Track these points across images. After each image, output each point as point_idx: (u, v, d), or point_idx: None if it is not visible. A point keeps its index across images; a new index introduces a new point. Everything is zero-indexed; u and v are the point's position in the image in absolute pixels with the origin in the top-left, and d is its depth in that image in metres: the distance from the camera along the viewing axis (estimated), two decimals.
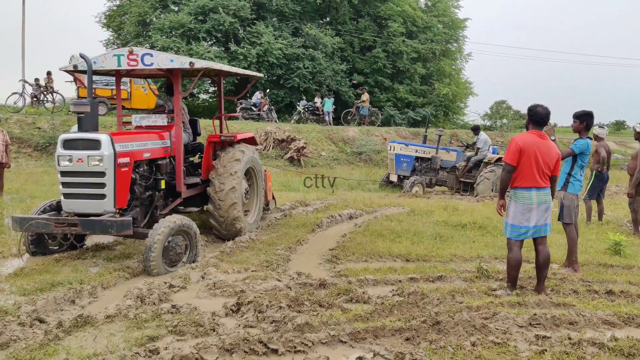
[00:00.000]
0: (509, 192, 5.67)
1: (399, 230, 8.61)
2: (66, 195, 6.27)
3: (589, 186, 9.59)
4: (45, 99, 20.44)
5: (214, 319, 4.51)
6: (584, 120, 6.74)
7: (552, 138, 6.41)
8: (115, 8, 31.61)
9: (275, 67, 27.74)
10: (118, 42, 30.86)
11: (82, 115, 6.27)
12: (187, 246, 6.51)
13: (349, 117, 26.86)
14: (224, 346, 3.96)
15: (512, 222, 5.54)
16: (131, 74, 8.53)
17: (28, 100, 20.17)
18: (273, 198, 10.18)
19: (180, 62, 6.90)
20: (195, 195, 7.90)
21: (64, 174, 6.21)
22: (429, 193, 14.79)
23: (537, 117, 5.56)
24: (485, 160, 14.39)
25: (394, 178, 15.08)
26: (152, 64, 6.83)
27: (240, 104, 23.46)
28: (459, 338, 4.34)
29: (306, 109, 25.50)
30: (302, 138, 21.37)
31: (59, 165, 6.18)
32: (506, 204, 5.72)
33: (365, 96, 26.50)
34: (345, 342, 4.23)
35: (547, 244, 5.68)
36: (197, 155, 8.59)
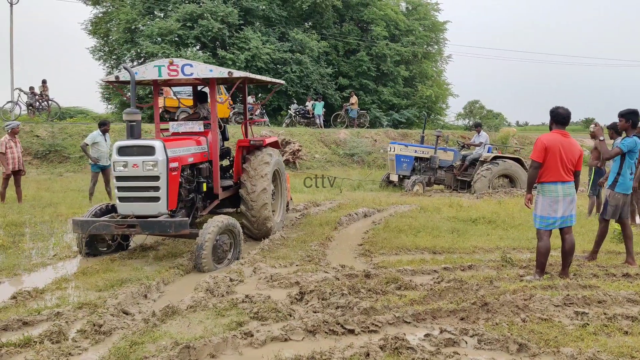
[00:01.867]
0: (536, 186, 6.22)
1: (418, 226, 9.13)
2: (122, 199, 6.61)
3: (590, 182, 10.23)
4: (41, 107, 20.51)
5: (288, 306, 4.95)
6: (629, 118, 6.91)
7: (601, 138, 6.93)
8: (101, 15, 31.60)
9: (264, 72, 28.11)
10: (105, 49, 30.91)
11: (134, 123, 6.63)
12: (231, 244, 6.88)
13: (338, 120, 27.39)
14: (307, 328, 4.42)
15: (541, 214, 6.10)
16: (167, 83, 8.80)
17: (23, 108, 20.22)
18: (290, 199, 10.54)
19: (219, 72, 7.26)
20: (228, 196, 8.25)
21: (119, 178, 6.53)
22: (429, 191, 15.37)
23: (559, 118, 6.12)
24: (481, 159, 15.02)
25: (394, 178, 15.63)
26: (192, 74, 7.18)
27: (233, 108, 23.79)
28: (507, 316, 4.86)
29: (297, 113, 25.95)
30: (297, 141, 21.83)
31: (114, 170, 6.52)
32: (533, 198, 6.27)
33: (354, 99, 27.09)
34: (409, 323, 4.71)
35: (572, 233, 6.24)
36: (227, 159, 8.97)
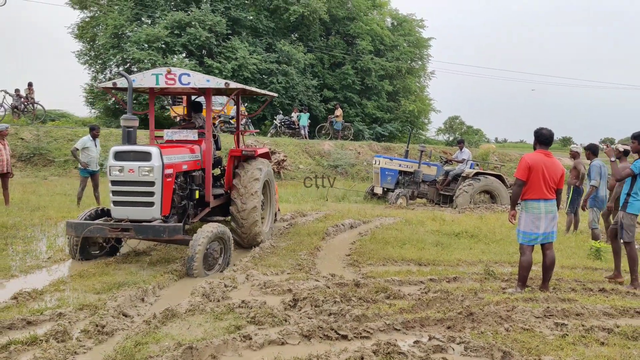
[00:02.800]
0: (519, 203, 6.52)
1: (403, 238, 9.39)
2: (116, 203, 6.75)
3: (569, 200, 10.62)
4: (26, 109, 20.43)
5: (283, 312, 5.15)
6: None
7: (612, 159, 7.10)
8: (87, 20, 31.55)
9: (250, 82, 28.32)
10: (91, 53, 30.84)
11: (131, 129, 6.79)
12: (222, 250, 7.02)
13: (322, 132, 27.68)
14: (302, 332, 4.62)
15: (524, 230, 6.39)
16: (163, 92, 8.90)
17: (8, 110, 20.13)
18: (278, 209, 10.66)
19: (216, 82, 7.45)
20: (218, 205, 8.41)
21: (115, 183, 6.68)
22: (412, 205, 15.67)
23: (543, 138, 6.44)
24: (463, 174, 15.39)
25: (378, 190, 15.91)
26: (189, 84, 7.34)
27: (219, 117, 23.92)
28: (491, 326, 5.12)
29: (283, 123, 26.17)
30: (282, 151, 22.04)
31: (110, 175, 6.66)
32: (517, 214, 6.56)
33: (339, 111, 27.43)
34: (399, 330, 4.94)
35: (553, 249, 6.55)
36: (218, 168, 9.09)
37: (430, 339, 4.69)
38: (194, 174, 7.72)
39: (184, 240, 6.73)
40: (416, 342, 4.62)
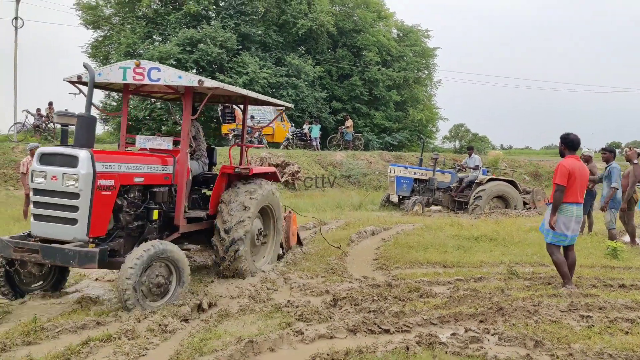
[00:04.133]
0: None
1: (425, 243, 9.78)
2: (36, 217, 5.58)
3: None
4: (47, 128, 21.02)
5: (327, 309, 5.55)
6: None
7: (635, 162, 7.48)
8: (100, 39, 32.28)
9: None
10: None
11: (66, 128, 5.87)
12: (170, 273, 5.75)
13: (333, 142, 28.14)
14: (348, 327, 5.01)
15: (556, 230, 6.74)
16: (140, 91, 7.68)
17: (30, 129, 20.73)
18: (300, 243, 9.27)
19: (189, 79, 6.21)
20: (200, 230, 7.07)
21: (36, 192, 5.52)
22: (428, 212, 16.04)
23: (572, 144, 6.82)
24: (477, 181, 15.77)
25: (394, 198, 16.32)
26: (159, 80, 6.16)
27: (233, 131, 24.42)
28: (520, 319, 5.49)
29: (294, 135, 26.65)
30: (295, 162, 22.47)
31: (32, 181, 5.52)
32: (554, 218, 6.84)
33: (349, 122, 27.89)
34: (435, 324, 5.32)
35: (574, 250, 6.95)
36: (210, 187, 7.55)
37: (466, 330, 5.06)
38: (155, 189, 6.38)
39: (117, 266, 5.47)
40: (453, 334, 4.99)
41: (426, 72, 41.31)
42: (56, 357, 4.15)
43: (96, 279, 7.02)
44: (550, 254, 6.87)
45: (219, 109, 27.08)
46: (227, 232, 6.72)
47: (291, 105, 8.98)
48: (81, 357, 4.21)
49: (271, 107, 25.99)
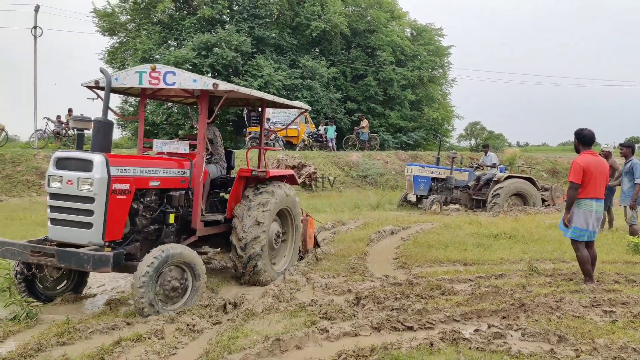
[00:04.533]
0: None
1: (445, 241, 9.81)
2: (52, 221, 5.67)
3: None
4: (67, 134, 21.38)
5: (350, 308, 5.63)
6: None
7: None
8: (117, 45, 32.71)
9: None
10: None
11: (82, 132, 5.96)
12: (184, 276, 5.75)
13: (349, 143, 28.22)
14: (372, 325, 5.09)
15: (575, 225, 6.76)
16: (157, 95, 7.69)
17: (51, 136, 21.11)
18: (317, 245, 9.07)
19: (204, 82, 6.22)
20: (217, 234, 7.08)
21: (53, 196, 5.61)
22: (445, 210, 16.06)
23: (586, 139, 6.83)
24: (495, 178, 15.75)
25: (412, 198, 16.35)
26: (174, 83, 6.25)
27: (249, 133, 24.59)
28: (543, 315, 5.52)
29: (310, 136, 26.77)
30: (312, 164, 22.59)
31: (48, 186, 5.62)
32: (568, 215, 6.89)
33: (365, 122, 27.97)
34: (458, 321, 5.37)
35: (594, 247, 6.95)
36: (228, 190, 7.58)
37: (489, 327, 5.11)
38: (172, 193, 6.44)
39: (133, 269, 5.47)
40: (476, 330, 5.04)
41: (441, 70, 41.25)
42: (90, 356, 4.27)
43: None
44: (575, 250, 6.88)
45: (244, 112, 27.36)
46: (243, 249, 6.72)
47: (308, 108, 9.00)
48: (114, 356, 4.33)
49: (295, 110, 26.16)
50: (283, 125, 24.79)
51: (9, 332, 4.97)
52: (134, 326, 5.08)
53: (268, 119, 24.48)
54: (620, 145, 10.33)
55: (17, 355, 4.27)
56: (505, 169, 16.97)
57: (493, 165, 16.21)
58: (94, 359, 4.24)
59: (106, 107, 5.76)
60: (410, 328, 5.12)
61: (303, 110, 8.75)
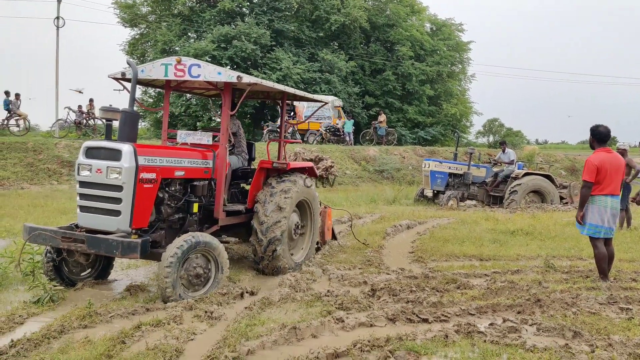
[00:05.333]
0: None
1: (461, 237, 9.82)
2: (82, 209, 5.83)
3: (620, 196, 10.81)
4: (87, 124, 21.65)
5: (366, 299, 5.69)
6: None
7: None
8: (137, 37, 33.00)
9: None
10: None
11: (110, 123, 6.08)
12: (208, 263, 5.89)
13: (366, 137, 28.21)
14: (387, 316, 5.14)
15: (590, 222, 6.73)
16: (181, 87, 7.87)
17: (72, 126, 21.41)
18: (334, 237, 9.24)
19: (228, 75, 6.36)
20: (238, 224, 7.25)
21: (82, 184, 5.77)
22: (462, 206, 16.02)
23: (602, 136, 6.79)
24: (513, 175, 15.66)
25: (429, 193, 16.33)
26: (199, 76, 6.40)
27: (267, 126, 24.71)
28: (559, 311, 5.52)
29: (328, 130, 26.80)
30: (329, 157, 22.63)
31: (78, 174, 5.79)
32: (581, 213, 6.87)
33: (382, 117, 27.93)
34: (473, 315, 5.40)
35: (612, 244, 6.91)
36: (249, 181, 7.81)
37: (504, 321, 5.13)
38: (196, 183, 6.59)
39: (159, 257, 5.59)
40: (491, 324, 5.06)
41: (460, 66, 40.95)
42: (112, 339, 4.38)
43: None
44: (593, 247, 6.84)
45: (278, 106, 27.62)
46: (263, 233, 6.82)
47: (328, 101, 9.06)
48: (134, 340, 4.43)
49: (329, 105, 26.90)
50: (317, 119, 25.44)
51: (33, 314, 5.12)
52: (154, 312, 5.19)
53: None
54: None
55: (40, 337, 4.39)
56: (524, 166, 16.86)
57: (511, 162, 16.13)
58: (115, 342, 4.34)
59: (132, 99, 5.92)
60: (426, 320, 5.16)
61: (323, 104, 8.89)
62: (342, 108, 31.22)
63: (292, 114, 26.76)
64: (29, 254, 6.06)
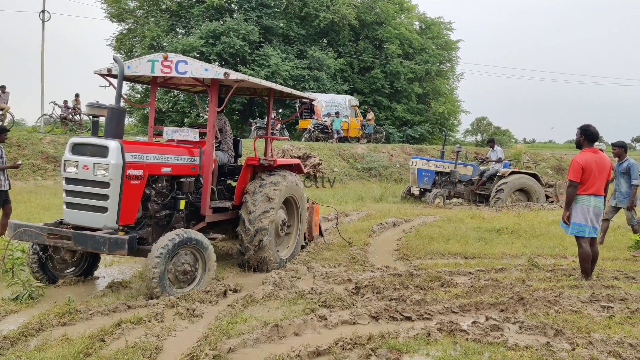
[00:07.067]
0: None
1: (447, 234, 9.84)
2: (68, 205, 5.78)
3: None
4: (73, 120, 21.44)
5: (349, 297, 5.67)
6: None
7: None
8: (125, 32, 32.74)
9: None
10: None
11: (97, 119, 6.04)
12: (196, 260, 5.91)
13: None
14: (370, 314, 5.13)
15: (574, 221, 6.77)
16: (168, 83, 7.83)
17: (57, 121, 21.18)
18: (321, 234, 9.31)
19: (215, 72, 6.36)
20: (225, 220, 7.28)
21: (68, 180, 5.73)
22: (449, 204, 16.05)
23: (593, 136, 6.82)
24: (499, 174, 15.71)
25: (415, 191, 16.34)
26: (185, 72, 6.35)
27: (255, 123, 24.63)
28: (541, 309, 5.54)
29: (316, 128, 26.77)
30: (317, 155, 22.60)
31: (64, 171, 5.74)
32: (567, 213, 6.90)
33: (371, 115, 27.94)
34: (456, 312, 5.40)
35: (597, 244, 6.95)
36: (235, 178, 7.80)
37: (487, 319, 5.14)
38: (182, 179, 6.57)
39: (145, 254, 5.62)
40: (474, 322, 5.07)
41: (448, 64, 41.11)
42: (91, 337, 4.33)
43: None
44: (578, 246, 6.87)
45: (296, 105, 27.85)
46: (251, 222, 6.83)
47: (315, 98, 9.05)
48: (114, 337, 4.39)
49: (345, 101, 27.95)
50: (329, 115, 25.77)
51: (11, 311, 5.06)
52: (135, 309, 5.15)
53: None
54: (613, 145, 10.21)
55: (17, 334, 4.33)
56: (510, 165, 16.93)
57: (498, 160, 16.18)
58: (94, 339, 4.29)
59: (119, 95, 5.90)
60: (409, 318, 5.15)
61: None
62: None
63: (309, 112, 26.99)
64: (9, 251, 5.98)
